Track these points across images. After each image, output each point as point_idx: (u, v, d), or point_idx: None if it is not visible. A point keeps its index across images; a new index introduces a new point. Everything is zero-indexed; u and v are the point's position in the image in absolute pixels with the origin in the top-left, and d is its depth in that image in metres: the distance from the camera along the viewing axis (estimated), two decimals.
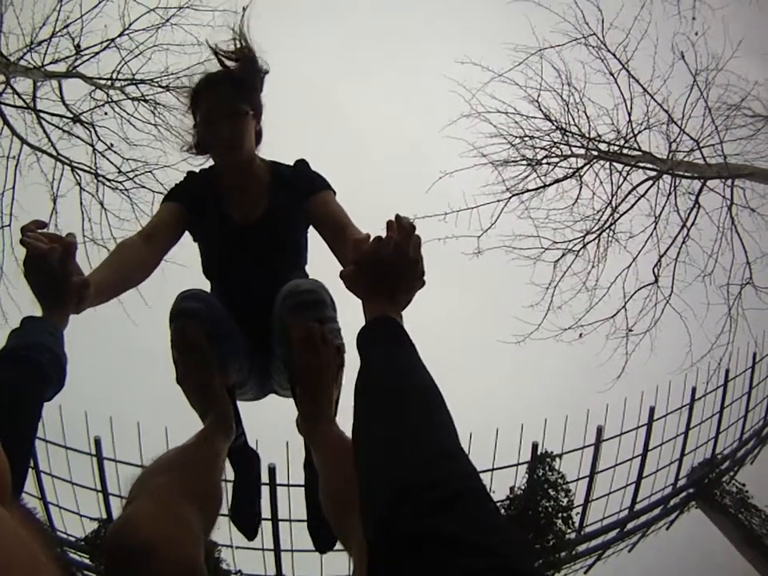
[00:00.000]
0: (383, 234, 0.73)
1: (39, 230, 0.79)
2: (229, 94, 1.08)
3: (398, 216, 0.73)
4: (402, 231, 0.71)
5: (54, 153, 6.84)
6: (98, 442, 6.45)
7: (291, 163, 1.21)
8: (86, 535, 6.32)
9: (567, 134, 5.88)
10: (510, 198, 5.59)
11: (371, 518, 0.47)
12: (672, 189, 6.17)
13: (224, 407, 0.97)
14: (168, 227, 1.11)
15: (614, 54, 6.09)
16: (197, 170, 1.21)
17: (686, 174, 6.25)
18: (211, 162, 1.21)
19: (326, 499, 0.78)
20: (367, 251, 0.74)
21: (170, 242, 1.11)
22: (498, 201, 5.57)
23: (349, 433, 0.82)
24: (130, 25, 6.71)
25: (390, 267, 0.73)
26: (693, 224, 6.23)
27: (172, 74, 6.72)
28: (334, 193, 1.13)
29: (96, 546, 5.99)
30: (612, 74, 6.11)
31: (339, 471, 0.78)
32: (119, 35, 6.73)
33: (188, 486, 0.72)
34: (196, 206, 1.13)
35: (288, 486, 5.68)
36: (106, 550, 0.62)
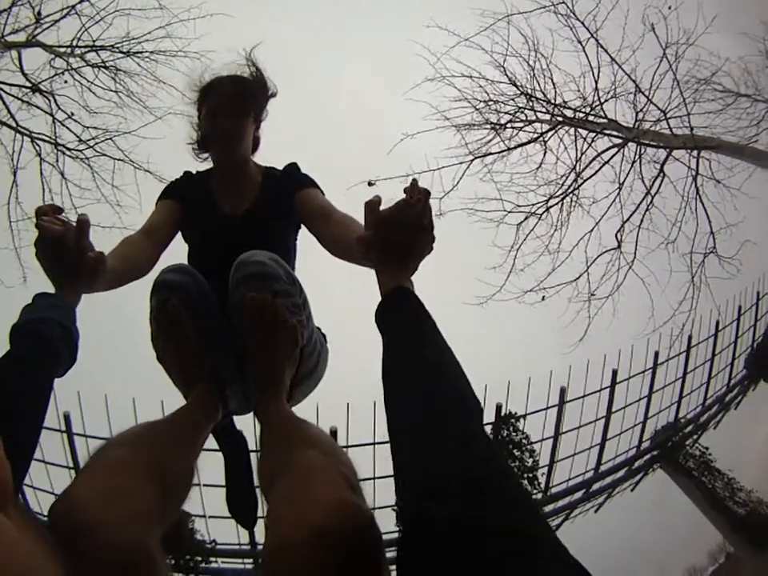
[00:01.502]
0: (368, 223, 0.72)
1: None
2: (234, 94, 1.14)
3: (415, 180, 0.71)
4: (421, 196, 0.70)
5: (14, 124, 6.62)
6: (67, 418, 6.39)
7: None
8: None
9: (532, 99, 5.90)
10: (472, 160, 5.61)
11: (409, 507, 0.47)
12: (637, 157, 6.26)
13: (206, 385, 0.90)
14: (165, 224, 1.14)
15: (582, 23, 6.10)
16: (193, 172, 1.26)
17: (652, 143, 6.34)
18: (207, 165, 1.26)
19: (260, 477, 0.73)
20: (386, 215, 0.71)
21: (168, 237, 1.14)
22: (461, 163, 5.58)
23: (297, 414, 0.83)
24: None
25: (406, 232, 0.71)
26: (657, 192, 6.34)
27: (133, 39, 6.54)
28: (323, 193, 1.16)
29: None
30: (580, 42, 6.12)
31: (272, 452, 0.74)
32: (80, 1, 6.49)
33: (148, 461, 0.65)
34: (188, 199, 1.17)
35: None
36: (48, 529, 0.53)
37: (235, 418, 1.14)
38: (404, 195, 0.70)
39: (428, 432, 0.52)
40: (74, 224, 0.78)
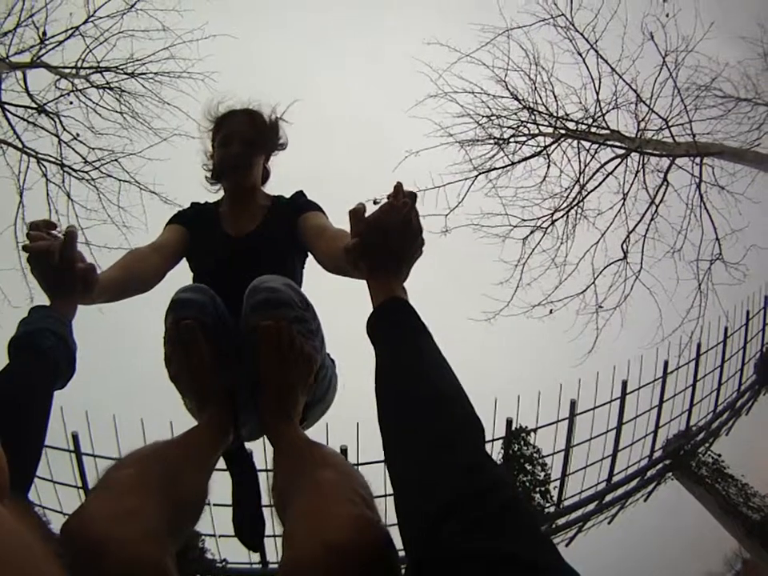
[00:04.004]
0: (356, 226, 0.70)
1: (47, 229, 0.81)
2: (247, 124, 1.19)
3: (399, 183, 0.69)
4: (406, 198, 0.68)
5: (20, 145, 6.68)
6: (75, 438, 6.38)
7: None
8: None
9: (535, 112, 5.91)
10: (476, 176, 5.62)
11: (413, 534, 0.45)
12: (640, 166, 6.26)
13: (219, 407, 0.89)
14: (173, 243, 1.15)
15: (582, 35, 6.13)
16: (201, 202, 1.29)
17: (655, 152, 6.34)
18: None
19: (274, 496, 0.73)
20: (371, 220, 0.69)
21: (176, 256, 1.15)
22: (465, 179, 5.59)
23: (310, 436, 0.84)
24: (95, 12, 6.56)
25: (394, 237, 0.69)
26: (661, 201, 6.33)
27: (137, 60, 6.61)
28: (326, 216, 1.16)
29: None
30: (580, 54, 6.15)
31: (286, 472, 0.74)
32: (84, 22, 6.58)
33: (161, 480, 0.65)
34: (196, 225, 1.20)
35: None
36: (63, 545, 0.54)
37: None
38: (400, 193, 0.68)
39: (433, 453, 0.50)
40: (62, 236, 0.79)
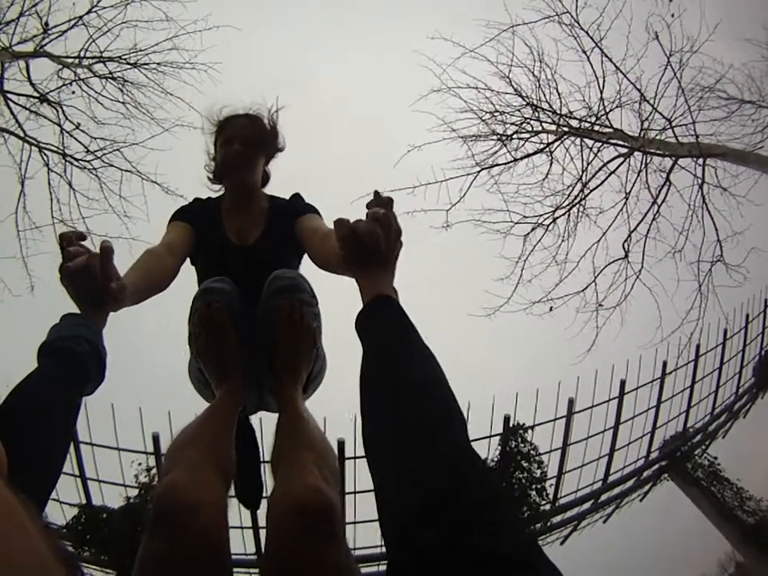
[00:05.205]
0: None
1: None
2: (248, 126, 1.24)
3: (376, 191, 0.75)
4: (384, 204, 0.74)
5: (22, 134, 6.67)
6: None
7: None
8: (67, 522, 6.27)
9: (538, 109, 5.90)
10: (479, 171, 5.61)
11: (394, 533, 0.45)
12: (643, 166, 6.25)
13: (236, 381, 1.04)
14: (183, 242, 1.18)
15: (587, 33, 6.11)
16: (203, 197, 1.32)
17: (658, 151, 6.32)
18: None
19: (272, 463, 0.90)
20: (353, 227, 0.73)
21: (185, 255, 1.18)
22: (468, 174, 5.58)
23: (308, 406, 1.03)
24: (98, 2, 6.54)
25: (379, 240, 0.72)
26: (663, 201, 6.32)
27: (140, 50, 6.60)
28: (321, 218, 1.22)
29: (77, 532, 5.96)
30: (585, 52, 6.13)
31: (282, 446, 0.92)
32: (87, 12, 6.56)
33: (211, 457, 0.84)
34: (199, 225, 1.23)
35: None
36: (156, 508, 0.72)
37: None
38: (375, 210, 0.73)
39: (413, 449, 0.50)
40: (98, 251, 0.79)
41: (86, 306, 0.82)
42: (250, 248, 1.20)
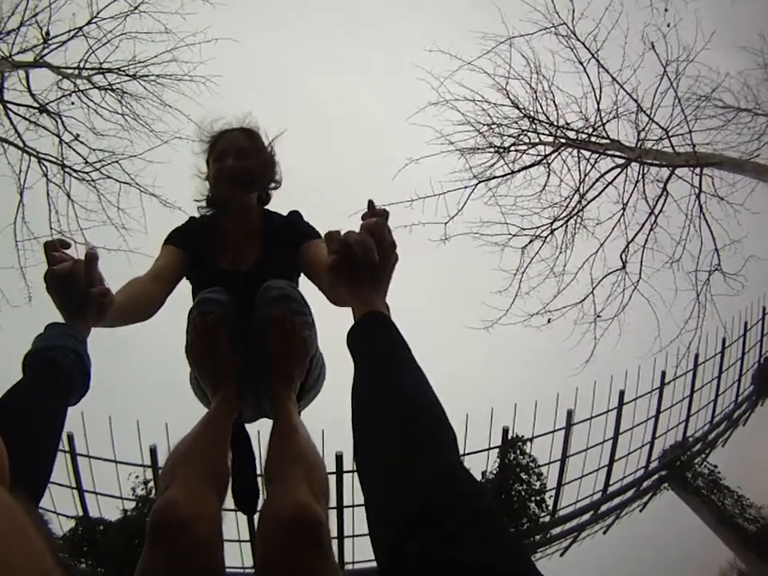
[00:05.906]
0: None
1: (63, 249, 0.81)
2: (241, 139, 1.20)
3: (370, 201, 0.73)
4: (378, 216, 0.72)
5: (21, 144, 6.68)
6: (70, 438, 6.36)
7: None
8: (64, 534, 6.23)
9: (535, 121, 5.92)
10: (476, 184, 5.63)
11: (383, 545, 0.46)
12: (640, 176, 6.27)
13: (232, 389, 1.06)
14: (172, 270, 1.16)
15: (583, 44, 6.15)
16: (197, 216, 1.29)
17: (655, 162, 6.34)
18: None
19: (265, 474, 0.93)
20: (343, 238, 0.72)
21: (174, 282, 1.17)
22: (465, 187, 5.59)
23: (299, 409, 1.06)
24: (98, 13, 6.58)
25: (372, 253, 0.71)
26: (660, 211, 6.34)
27: (140, 62, 6.63)
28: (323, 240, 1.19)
29: (74, 544, 5.92)
30: (581, 63, 6.17)
31: (275, 457, 0.94)
32: (87, 23, 6.60)
33: (206, 470, 0.87)
34: (191, 250, 1.21)
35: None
36: (153, 523, 0.76)
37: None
38: (371, 220, 0.72)
39: (403, 462, 0.50)
40: (83, 258, 0.79)
41: (71, 315, 0.81)
42: (246, 274, 1.17)
